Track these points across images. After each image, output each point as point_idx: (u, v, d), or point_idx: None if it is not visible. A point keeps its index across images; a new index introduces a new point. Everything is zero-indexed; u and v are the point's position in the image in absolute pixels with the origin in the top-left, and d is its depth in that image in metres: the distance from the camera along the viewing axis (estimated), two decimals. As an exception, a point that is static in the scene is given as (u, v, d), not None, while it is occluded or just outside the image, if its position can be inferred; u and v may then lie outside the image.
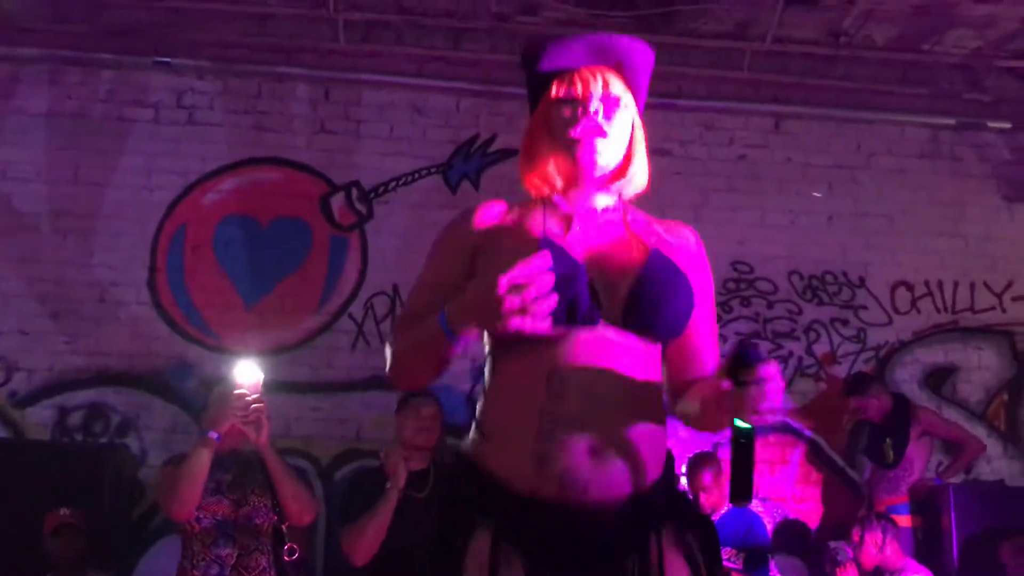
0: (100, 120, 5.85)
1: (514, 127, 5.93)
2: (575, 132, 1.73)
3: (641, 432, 1.63)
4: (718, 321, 5.82)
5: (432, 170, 5.94)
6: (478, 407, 1.74)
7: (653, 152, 1.88)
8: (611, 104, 1.76)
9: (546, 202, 1.79)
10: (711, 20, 5.94)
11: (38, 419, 5.45)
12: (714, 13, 5.87)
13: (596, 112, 1.74)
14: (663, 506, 1.68)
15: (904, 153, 6.21)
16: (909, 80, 6.24)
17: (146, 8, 5.83)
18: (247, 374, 3.31)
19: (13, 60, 5.83)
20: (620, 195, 1.82)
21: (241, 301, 5.69)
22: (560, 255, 1.59)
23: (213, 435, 3.29)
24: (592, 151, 1.73)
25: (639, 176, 1.81)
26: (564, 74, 1.78)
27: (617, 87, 1.77)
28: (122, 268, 5.68)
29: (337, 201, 5.87)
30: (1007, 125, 6.22)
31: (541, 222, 1.74)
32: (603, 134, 1.74)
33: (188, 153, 5.85)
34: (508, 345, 1.66)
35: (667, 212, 1.68)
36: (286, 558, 3.41)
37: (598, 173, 1.76)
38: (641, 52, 1.81)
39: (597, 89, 1.74)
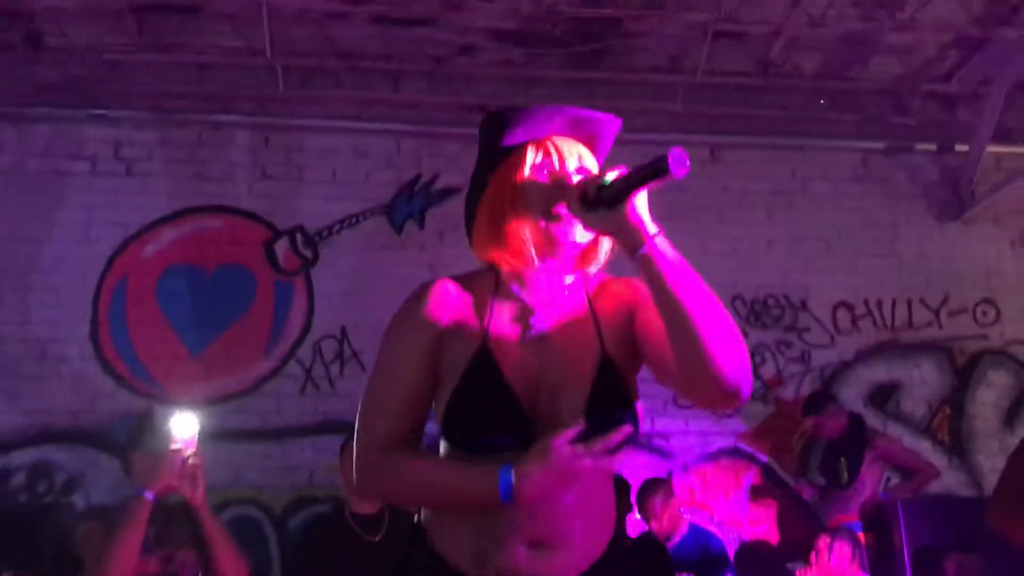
0: (36, 175, 5.80)
1: (456, 166, 5.99)
2: (558, 209, 1.61)
3: (585, 524, 1.61)
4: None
5: (376, 211, 5.96)
6: None
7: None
8: None
9: (499, 288, 1.69)
10: (643, 55, 6.08)
11: (-21, 482, 5.33)
12: (645, 48, 6.01)
13: None
14: (610, 571, 1.66)
15: (837, 177, 6.37)
16: (838, 107, 6.43)
17: (80, 61, 5.80)
18: (183, 426, 3.13)
19: (-55, 118, 5.77)
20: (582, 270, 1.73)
21: (187, 351, 5.63)
22: (491, 379, 1.58)
23: (148, 495, 3.06)
24: (572, 231, 1.62)
25: (604, 253, 1.71)
26: (537, 143, 1.67)
27: (589, 160, 1.68)
28: (63, 323, 5.60)
29: (281, 246, 5.86)
30: (933, 147, 6.42)
31: (488, 318, 1.65)
32: None
33: (127, 205, 5.81)
34: (454, 441, 1.64)
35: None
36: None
37: (573, 252, 1.67)
38: (613, 127, 1.74)
39: (573, 163, 1.65)
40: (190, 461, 3.11)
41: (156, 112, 5.92)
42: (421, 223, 5.97)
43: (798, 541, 5.54)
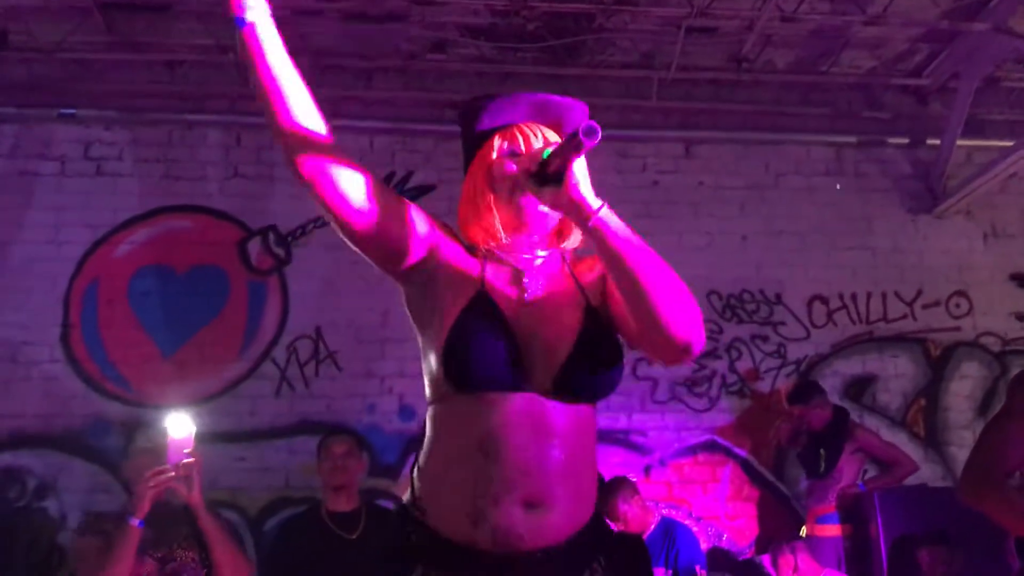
0: (4, 176, 5.72)
1: (429, 163, 5.97)
2: (523, 192, 1.70)
3: (573, 483, 1.65)
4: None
5: (350, 210, 5.90)
6: (420, 458, 1.74)
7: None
8: None
9: (488, 253, 1.78)
10: (617, 51, 6.08)
11: (-52, 488, 5.24)
12: (619, 44, 6.01)
13: None
14: (593, 544, 1.70)
15: (811, 172, 6.40)
16: (811, 101, 6.47)
17: (47, 60, 5.73)
18: (179, 427, 3.19)
19: (-91, 118, 5.68)
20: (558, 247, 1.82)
21: (159, 352, 5.57)
22: (490, 317, 1.65)
23: (135, 522, 3.12)
24: (537, 212, 1.72)
25: (577, 233, 1.79)
26: (505, 130, 1.78)
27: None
28: (33, 326, 5.52)
29: (254, 246, 5.81)
30: (905, 141, 6.47)
31: (482, 270, 1.74)
32: None
33: (98, 205, 5.74)
34: (445, 402, 1.68)
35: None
36: (221, 611, 3.29)
37: (543, 231, 1.77)
38: (580, 111, 1.82)
39: (538, 145, 1.74)
40: (185, 461, 3.12)
41: (126, 111, 5.86)
42: (396, 221, 5.92)
43: (776, 535, 5.57)
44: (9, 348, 5.48)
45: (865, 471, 5.61)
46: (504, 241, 1.75)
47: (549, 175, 1.59)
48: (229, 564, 3.30)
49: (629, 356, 1.73)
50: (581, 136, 1.48)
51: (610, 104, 6.24)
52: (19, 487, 5.32)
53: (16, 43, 5.71)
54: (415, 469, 1.75)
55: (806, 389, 5.55)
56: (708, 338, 5.93)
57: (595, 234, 1.58)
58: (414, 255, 1.73)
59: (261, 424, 5.55)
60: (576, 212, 1.59)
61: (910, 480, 5.62)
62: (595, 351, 1.67)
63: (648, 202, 6.15)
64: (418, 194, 5.93)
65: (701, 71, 6.20)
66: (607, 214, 1.58)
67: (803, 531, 5.46)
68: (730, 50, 6.08)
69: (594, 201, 1.58)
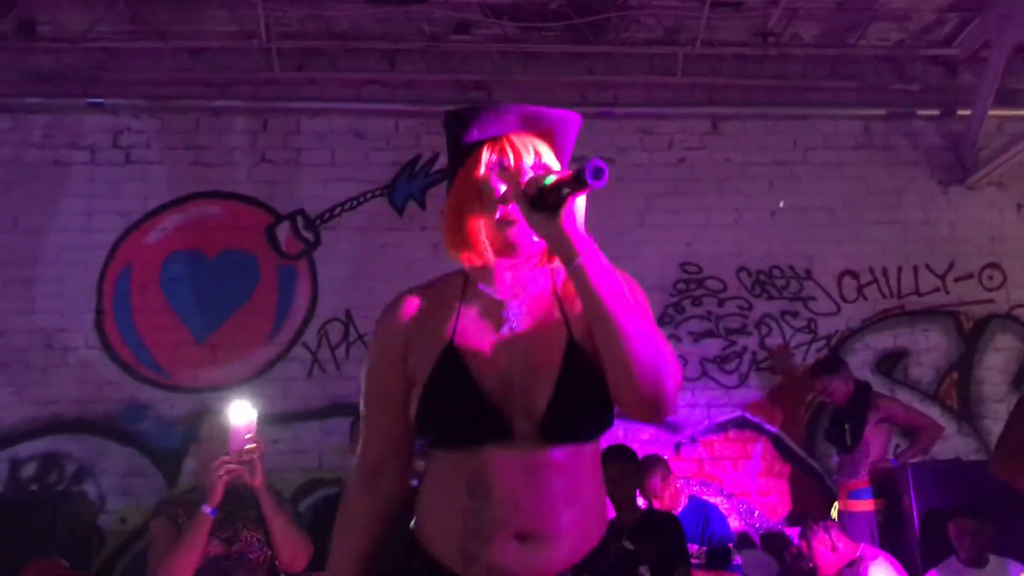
0: (35, 165, 5.78)
1: (455, 145, 5.95)
2: (510, 212, 1.63)
3: (573, 512, 1.61)
4: (671, 323, 5.87)
5: (376, 193, 5.94)
6: (422, 483, 1.73)
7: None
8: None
9: (468, 288, 1.71)
10: (641, 28, 6.04)
11: (-10, 473, 5.35)
12: (643, 21, 5.97)
13: None
14: (603, 565, 1.67)
15: (839, 146, 6.33)
16: (838, 75, 6.39)
17: (74, 50, 5.78)
18: (240, 414, 3.28)
19: (-59, 110, 5.75)
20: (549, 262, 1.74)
21: (192, 337, 5.63)
22: (457, 375, 1.60)
23: (208, 510, 3.22)
24: (527, 232, 1.61)
25: None
26: (494, 141, 1.69)
27: (548, 156, 1.70)
28: (68, 313, 5.60)
29: (283, 230, 5.85)
30: (935, 112, 6.38)
31: (455, 319, 1.67)
32: None
33: (128, 193, 5.80)
34: (430, 443, 1.67)
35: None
36: (284, 591, 3.36)
37: (533, 251, 1.68)
38: (573, 122, 1.75)
39: (529, 159, 1.66)
40: (248, 447, 3.22)
41: (153, 99, 5.90)
42: (422, 203, 5.95)
43: (808, 511, 5.57)
44: (45, 335, 5.56)
45: (897, 446, 5.58)
46: (491, 261, 1.67)
47: (546, 203, 1.52)
48: (288, 546, 3.36)
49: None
50: (588, 178, 1.43)
51: (635, 81, 6.20)
52: (58, 471, 5.42)
53: (43, 33, 5.76)
54: (419, 491, 1.72)
55: (833, 362, 5.53)
56: (738, 315, 5.93)
57: (577, 274, 1.51)
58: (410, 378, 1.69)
59: (294, 406, 5.60)
60: (562, 248, 1.53)
61: (943, 454, 5.59)
62: (577, 394, 1.59)
63: (675, 179, 6.12)
64: (444, 176, 5.92)
65: (727, 46, 6.14)
66: (594, 255, 1.52)
67: (835, 507, 5.45)
68: (756, 24, 6.02)
69: (583, 240, 1.52)
